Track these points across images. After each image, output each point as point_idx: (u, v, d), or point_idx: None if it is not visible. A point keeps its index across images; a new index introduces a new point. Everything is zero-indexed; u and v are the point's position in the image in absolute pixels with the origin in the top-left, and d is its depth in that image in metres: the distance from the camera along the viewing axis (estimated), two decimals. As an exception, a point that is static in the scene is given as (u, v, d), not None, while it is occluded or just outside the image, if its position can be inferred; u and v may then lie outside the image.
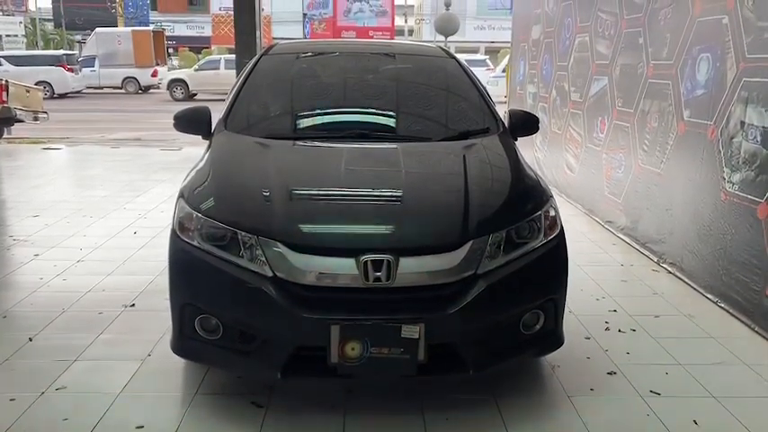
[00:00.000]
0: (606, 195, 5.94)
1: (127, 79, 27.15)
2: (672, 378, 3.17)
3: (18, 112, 11.47)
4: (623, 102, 5.60)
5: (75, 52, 30.52)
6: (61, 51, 29.04)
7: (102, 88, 27.24)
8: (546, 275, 2.86)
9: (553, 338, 2.95)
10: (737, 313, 3.87)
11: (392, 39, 34.63)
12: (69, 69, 24.82)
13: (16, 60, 24.57)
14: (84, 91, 26.24)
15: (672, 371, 3.24)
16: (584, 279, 4.48)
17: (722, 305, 4.03)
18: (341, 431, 2.69)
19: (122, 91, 27.09)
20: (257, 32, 9.38)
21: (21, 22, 34.30)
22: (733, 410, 2.87)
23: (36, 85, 15.96)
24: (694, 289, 4.34)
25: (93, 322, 3.67)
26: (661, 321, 3.86)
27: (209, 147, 3.41)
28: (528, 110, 5.86)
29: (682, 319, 3.92)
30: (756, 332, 3.68)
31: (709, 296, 4.18)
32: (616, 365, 3.27)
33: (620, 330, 3.71)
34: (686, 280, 4.47)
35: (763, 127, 3.66)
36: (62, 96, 23.89)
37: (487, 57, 29.17)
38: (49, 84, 23.17)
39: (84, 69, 26.49)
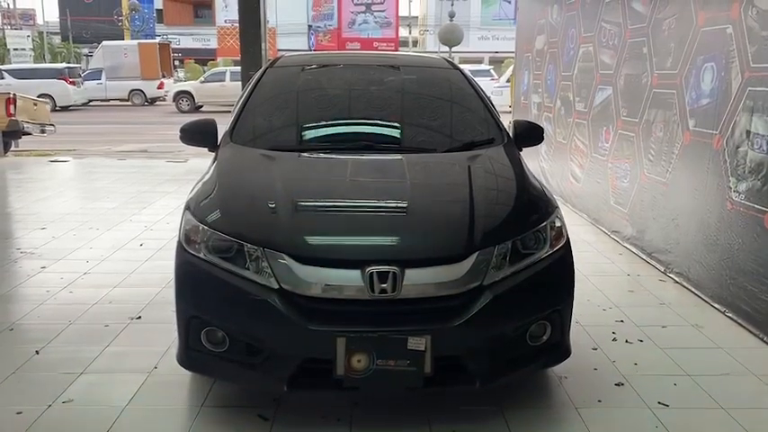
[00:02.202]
0: (612, 205, 5.93)
1: (133, 91, 27.33)
2: (680, 389, 3.15)
3: (25, 125, 11.56)
4: (628, 111, 5.60)
5: (78, 65, 30.69)
6: (63, 64, 29.20)
7: (108, 101, 27.45)
8: (552, 286, 2.86)
9: (560, 349, 2.93)
10: (745, 323, 3.85)
11: (396, 50, 34.78)
12: (71, 82, 24.94)
13: (18, 74, 24.64)
14: (90, 103, 26.36)
15: (680, 382, 3.22)
16: (591, 289, 4.46)
17: (730, 315, 4.01)
18: (347, 444, 2.69)
19: (129, 103, 27.27)
20: (263, 44, 9.42)
21: (28, 36, 34.65)
22: (742, 421, 2.85)
23: (38, 97, 16.06)
24: (701, 299, 4.32)
25: (99, 335, 3.68)
26: (668, 332, 3.84)
27: (215, 159, 3.42)
28: (532, 120, 5.89)
29: (689, 329, 3.90)
30: (765, 342, 3.66)
31: (716, 306, 4.15)
32: (623, 376, 3.25)
33: (627, 341, 3.69)
34: (693, 290, 4.45)
35: (769, 136, 3.66)
36: (64, 109, 23.95)
37: (491, 67, 29.23)
38: (51, 96, 23.23)
39: (89, 82, 26.64)
